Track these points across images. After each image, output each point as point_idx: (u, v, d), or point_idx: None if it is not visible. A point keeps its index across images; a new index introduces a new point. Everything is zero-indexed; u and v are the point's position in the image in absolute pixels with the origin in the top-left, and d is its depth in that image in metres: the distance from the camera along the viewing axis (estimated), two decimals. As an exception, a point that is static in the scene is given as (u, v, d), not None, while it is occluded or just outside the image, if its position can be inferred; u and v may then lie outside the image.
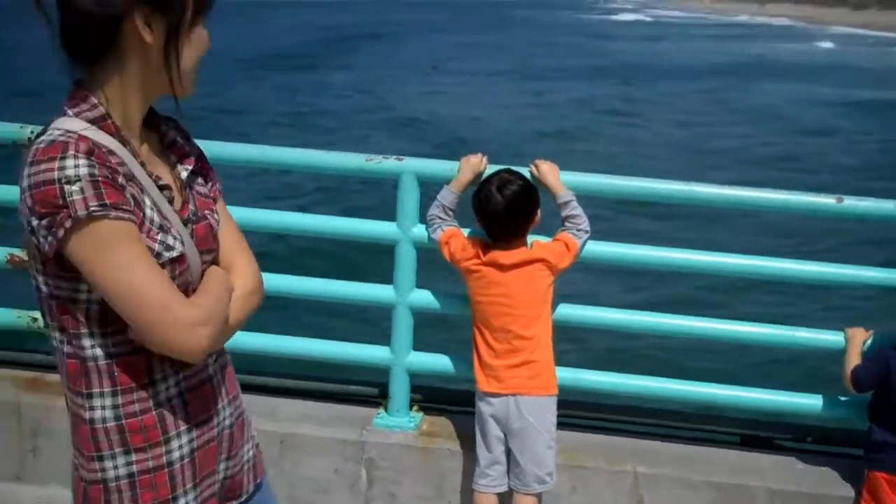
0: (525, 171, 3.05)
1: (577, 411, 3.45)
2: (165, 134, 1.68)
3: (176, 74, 1.51)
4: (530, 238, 3.02)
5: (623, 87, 30.38)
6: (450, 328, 6.74)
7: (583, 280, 8.38)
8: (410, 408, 3.40)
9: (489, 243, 2.98)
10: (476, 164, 3.06)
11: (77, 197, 1.38)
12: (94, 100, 1.50)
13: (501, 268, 2.92)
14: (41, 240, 1.43)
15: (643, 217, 12.15)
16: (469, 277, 3.00)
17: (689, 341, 6.68)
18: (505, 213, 2.89)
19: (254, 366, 3.45)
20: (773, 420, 3.52)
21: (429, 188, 3.20)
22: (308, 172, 7.64)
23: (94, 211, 1.39)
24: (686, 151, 19.87)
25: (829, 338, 3.15)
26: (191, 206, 1.64)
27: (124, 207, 1.43)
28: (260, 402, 3.38)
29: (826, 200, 3.13)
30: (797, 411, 3.28)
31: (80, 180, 1.39)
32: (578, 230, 3.00)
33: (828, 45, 56.61)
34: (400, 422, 3.34)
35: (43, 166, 1.39)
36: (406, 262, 3.22)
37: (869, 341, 3.05)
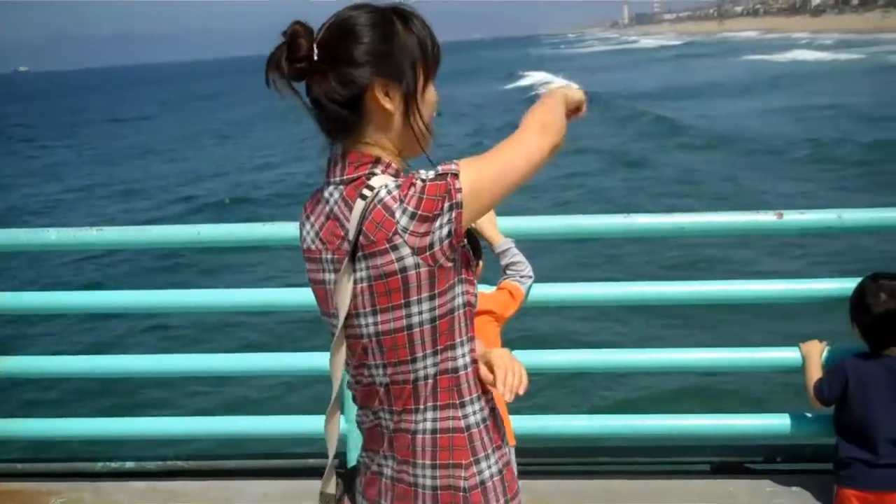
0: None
1: (544, 458, 3.36)
2: None
3: (420, 134, 1.62)
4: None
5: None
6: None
7: (534, 323, 8.35)
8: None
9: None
10: None
11: (452, 165, 1.52)
12: (386, 159, 1.60)
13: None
14: (436, 244, 1.49)
15: (585, 251, 12.23)
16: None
17: (647, 374, 6.66)
18: None
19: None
20: (742, 444, 3.47)
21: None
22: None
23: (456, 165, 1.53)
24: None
25: (787, 355, 3.11)
26: None
27: None
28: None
29: (766, 218, 3.08)
30: (765, 432, 3.24)
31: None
32: (522, 277, 2.92)
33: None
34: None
35: (419, 193, 1.48)
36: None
37: (825, 353, 3.03)
